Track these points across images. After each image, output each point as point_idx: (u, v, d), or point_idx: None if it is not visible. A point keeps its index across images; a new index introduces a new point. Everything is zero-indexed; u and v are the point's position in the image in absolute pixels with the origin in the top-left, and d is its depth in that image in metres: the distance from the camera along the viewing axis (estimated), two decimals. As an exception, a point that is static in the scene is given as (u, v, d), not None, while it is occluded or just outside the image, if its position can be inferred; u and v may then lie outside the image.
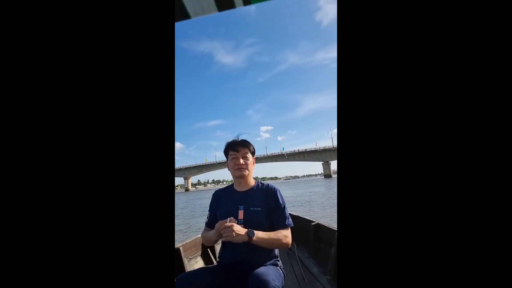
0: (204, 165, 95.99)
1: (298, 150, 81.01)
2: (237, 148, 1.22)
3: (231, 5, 0.49)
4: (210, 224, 1.23)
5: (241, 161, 1.20)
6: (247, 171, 1.20)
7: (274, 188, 1.20)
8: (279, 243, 1.07)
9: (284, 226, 1.12)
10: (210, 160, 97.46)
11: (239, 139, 1.26)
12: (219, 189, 1.32)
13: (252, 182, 1.25)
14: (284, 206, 1.17)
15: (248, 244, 1.03)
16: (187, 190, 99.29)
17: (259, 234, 1.03)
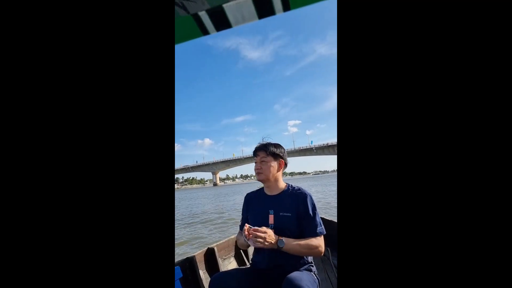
0: (231, 160, 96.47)
1: (328, 143, 77.41)
2: (256, 153, 1.20)
3: (272, 12, 0.49)
4: (243, 227, 1.22)
5: (258, 165, 1.17)
6: (263, 175, 1.16)
7: (305, 193, 1.14)
8: (310, 252, 1.04)
9: (315, 234, 1.07)
10: (237, 155, 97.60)
11: (262, 143, 1.22)
12: (250, 192, 1.30)
13: (282, 186, 1.20)
14: (315, 212, 1.12)
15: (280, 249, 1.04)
16: (215, 184, 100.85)
17: (289, 243, 1.01)
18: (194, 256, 1.57)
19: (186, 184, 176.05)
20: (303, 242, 1.03)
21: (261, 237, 0.96)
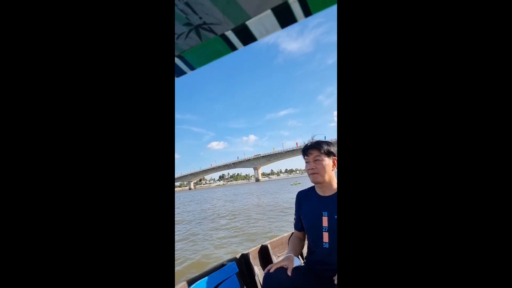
0: (272, 154, 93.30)
1: (378, 131, 68.21)
2: (307, 152, 1.13)
3: (293, 20, 0.51)
4: (297, 226, 1.23)
5: (312, 165, 1.11)
6: (319, 176, 1.09)
7: None
8: None
9: None
10: (278, 149, 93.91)
11: (312, 141, 1.15)
12: (302, 190, 1.24)
13: (335, 186, 1.13)
14: None
15: (335, 252, 1.02)
16: (257, 180, 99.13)
17: None
18: (248, 253, 1.63)
19: (231, 180, 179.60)
20: None
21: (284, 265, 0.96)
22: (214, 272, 1.37)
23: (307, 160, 1.12)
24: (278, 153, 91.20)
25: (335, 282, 0.88)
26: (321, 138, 1.17)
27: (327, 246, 1.06)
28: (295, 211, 1.23)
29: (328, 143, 1.13)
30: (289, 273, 0.98)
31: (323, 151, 1.09)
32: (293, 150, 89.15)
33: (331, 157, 1.12)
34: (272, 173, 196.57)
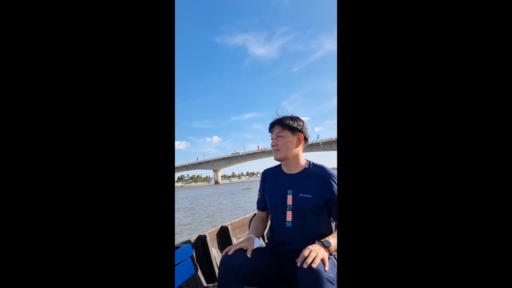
0: (233, 156, 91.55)
1: (335, 138, 71.11)
2: (271, 128, 1.10)
3: None
4: (260, 205, 1.18)
5: (274, 141, 1.07)
6: (279, 152, 1.05)
7: (330, 173, 1.01)
8: None
9: None
10: (239, 152, 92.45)
11: (277, 116, 1.10)
12: (268, 169, 1.20)
13: (302, 163, 1.08)
14: None
15: (298, 231, 0.99)
16: (216, 182, 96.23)
17: (332, 239, 0.88)
18: (206, 234, 1.55)
19: (191, 182, 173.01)
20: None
21: (311, 258, 0.80)
22: None
23: (271, 137, 1.09)
24: (239, 155, 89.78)
25: (298, 265, 0.82)
26: (288, 114, 1.10)
27: (289, 225, 1.02)
28: (259, 189, 1.18)
29: (293, 119, 1.07)
30: (249, 255, 0.92)
31: (285, 127, 1.05)
32: (254, 153, 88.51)
33: (296, 133, 1.06)
34: (233, 175, 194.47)
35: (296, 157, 1.07)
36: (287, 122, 1.06)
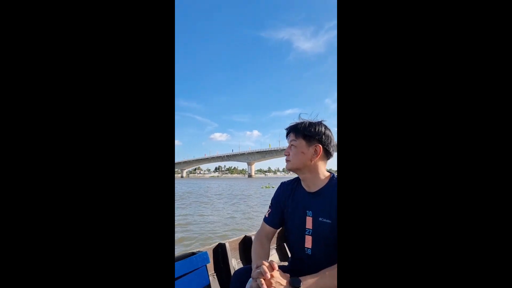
0: (267, 151, 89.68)
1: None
2: (287, 136, 0.92)
3: None
4: (272, 220, 0.95)
5: (287, 150, 0.90)
6: (289, 163, 0.88)
7: None
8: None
9: None
10: (274, 146, 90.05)
11: (298, 121, 0.91)
12: (285, 182, 0.99)
13: (322, 179, 0.87)
14: None
15: (318, 261, 0.80)
16: (250, 176, 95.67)
17: (309, 282, 0.70)
18: (225, 242, 1.43)
19: (227, 173, 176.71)
20: (330, 272, 0.73)
21: (263, 283, 0.67)
22: (179, 261, 1.12)
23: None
24: (273, 150, 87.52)
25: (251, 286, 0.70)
26: (312, 119, 0.90)
27: (309, 252, 0.85)
28: (273, 202, 0.97)
29: (312, 125, 0.87)
30: (268, 276, 0.69)
31: (300, 135, 0.86)
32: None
33: (313, 144, 0.85)
34: (269, 170, 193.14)
35: (314, 172, 0.86)
36: (302, 128, 0.86)
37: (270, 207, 0.97)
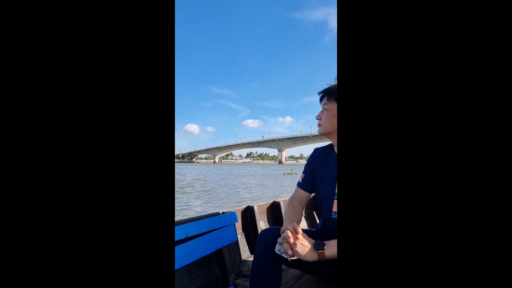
0: (298, 137, 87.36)
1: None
2: (320, 101, 0.91)
3: None
4: (306, 185, 0.96)
5: (319, 114, 0.90)
6: (322, 127, 0.88)
7: None
8: None
9: None
10: (305, 133, 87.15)
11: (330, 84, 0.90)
12: (318, 148, 0.99)
13: None
14: None
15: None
16: (280, 162, 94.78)
17: (333, 244, 0.72)
18: (254, 205, 1.51)
19: (258, 159, 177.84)
20: None
21: (288, 248, 0.69)
22: (208, 218, 1.18)
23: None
24: (305, 136, 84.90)
25: (279, 241, 0.72)
26: None
27: (335, 216, 0.87)
28: (307, 168, 0.97)
29: None
30: (291, 240, 0.70)
31: (332, 98, 0.86)
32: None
33: None
34: (301, 157, 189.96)
35: None
36: (335, 92, 0.85)
37: (303, 172, 0.99)
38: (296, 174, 20.24)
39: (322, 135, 0.89)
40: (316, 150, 0.99)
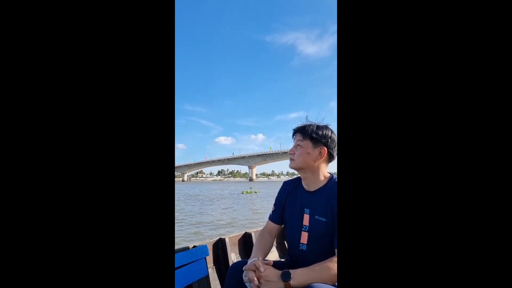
0: (268, 154, 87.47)
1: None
2: (293, 134, 0.98)
3: None
4: (274, 217, 1.03)
5: (292, 149, 0.95)
6: (294, 162, 0.93)
7: None
8: (334, 276, 0.75)
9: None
10: (275, 150, 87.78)
11: (305, 123, 0.98)
12: (288, 181, 1.07)
13: (321, 180, 0.93)
14: None
15: (311, 257, 0.85)
16: (251, 179, 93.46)
17: (299, 274, 0.74)
18: (225, 237, 1.53)
19: (230, 177, 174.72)
20: (321, 266, 0.77)
21: (254, 279, 0.73)
22: (179, 253, 1.18)
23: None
24: (275, 153, 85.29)
25: (244, 280, 0.76)
26: (320, 122, 0.96)
27: (303, 248, 0.91)
28: (276, 201, 1.05)
29: (319, 128, 0.93)
30: (261, 270, 0.75)
31: (307, 136, 0.92)
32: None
33: (319, 146, 0.91)
34: (273, 173, 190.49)
35: (316, 172, 0.92)
36: (310, 131, 0.92)
37: (274, 205, 1.05)
38: (255, 192, 19.16)
39: (293, 169, 0.93)
40: (285, 183, 1.06)
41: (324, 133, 0.91)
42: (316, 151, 0.90)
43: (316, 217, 0.88)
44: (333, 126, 0.95)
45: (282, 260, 1.06)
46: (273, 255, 1.79)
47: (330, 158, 0.93)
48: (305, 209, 0.92)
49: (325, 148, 0.90)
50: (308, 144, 0.91)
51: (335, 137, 0.93)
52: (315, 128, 0.92)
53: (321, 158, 0.90)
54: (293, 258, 0.95)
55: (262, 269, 0.74)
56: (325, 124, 0.95)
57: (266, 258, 0.89)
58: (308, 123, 0.95)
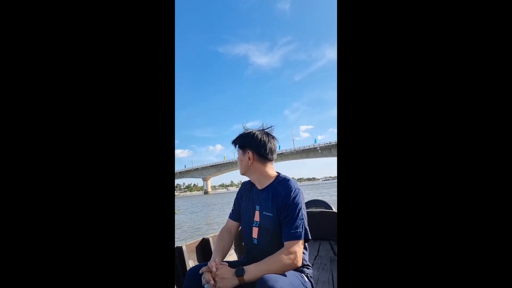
0: (222, 164, 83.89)
1: (333, 142, 62.95)
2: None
3: None
4: (233, 215, 1.15)
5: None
6: (240, 169, 1.07)
7: (289, 188, 0.95)
8: (283, 267, 0.84)
9: (291, 238, 0.88)
10: (229, 159, 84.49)
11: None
12: (245, 182, 1.17)
13: (268, 178, 1.04)
14: (299, 212, 0.90)
15: (262, 249, 0.95)
16: (206, 192, 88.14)
17: (251, 269, 0.83)
18: (182, 246, 1.52)
19: (186, 191, 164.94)
20: (271, 257, 0.86)
21: (210, 279, 0.82)
22: None
23: None
24: (229, 162, 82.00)
25: (202, 283, 0.84)
26: (251, 130, 1.07)
27: (256, 242, 1.01)
28: (235, 200, 1.16)
29: (241, 136, 1.06)
30: (214, 269, 0.84)
31: (236, 145, 1.07)
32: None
33: (246, 151, 1.02)
34: (231, 184, 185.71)
35: (257, 173, 1.03)
36: (236, 141, 1.06)
37: (233, 204, 1.15)
38: (175, 213, 15.85)
39: (243, 175, 1.07)
40: (243, 184, 1.17)
41: (246, 139, 1.02)
42: (246, 156, 1.01)
43: (264, 212, 0.98)
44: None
45: (240, 259, 1.12)
46: (232, 257, 1.81)
47: (264, 158, 1.01)
48: (256, 205, 1.03)
49: (251, 152, 1.01)
50: (239, 152, 1.05)
51: (264, 138, 1.02)
52: (238, 137, 1.05)
53: (251, 161, 1.00)
54: (248, 255, 1.06)
55: (214, 269, 0.83)
56: (265, 128, 1.06)
57: (225, 260, 0.96)
58: (246, 131, 1.06)
